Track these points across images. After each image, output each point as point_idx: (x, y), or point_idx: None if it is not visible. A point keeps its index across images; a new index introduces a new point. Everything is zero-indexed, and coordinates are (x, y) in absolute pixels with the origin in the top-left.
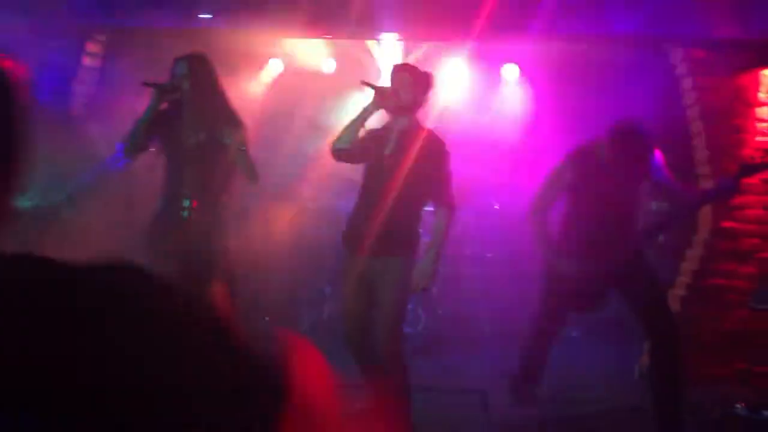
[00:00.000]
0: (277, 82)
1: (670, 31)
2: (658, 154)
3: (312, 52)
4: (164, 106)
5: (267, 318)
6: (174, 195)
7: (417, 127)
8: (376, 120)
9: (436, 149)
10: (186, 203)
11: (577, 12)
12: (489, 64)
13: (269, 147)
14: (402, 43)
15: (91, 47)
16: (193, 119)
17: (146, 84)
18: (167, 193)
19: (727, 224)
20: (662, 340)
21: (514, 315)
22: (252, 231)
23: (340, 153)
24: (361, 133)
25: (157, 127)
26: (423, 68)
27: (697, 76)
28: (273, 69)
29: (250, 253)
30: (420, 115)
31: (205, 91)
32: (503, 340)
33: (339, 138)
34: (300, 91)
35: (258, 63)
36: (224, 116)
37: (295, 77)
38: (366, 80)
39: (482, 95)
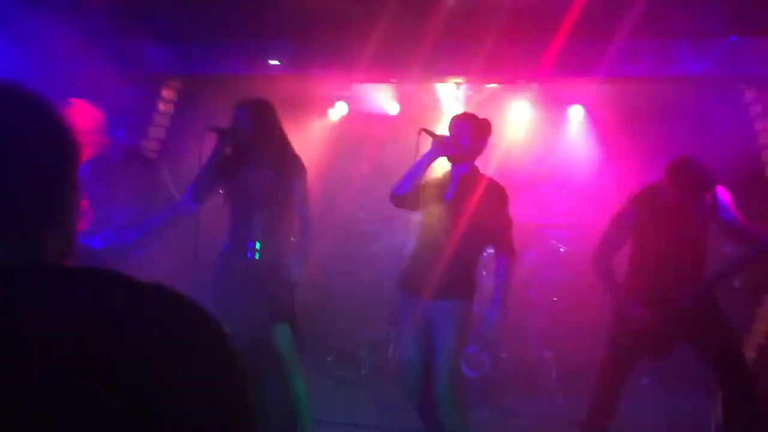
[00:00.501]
0: (343, 124)
1: (742, 71)
2: (724, 193)
3: (377, 95)
4: (229, 151)
5: (330, 358)
6: (240, 238)
7: (476, 173)
8: (437, 167)
9: (496, 195)
10: (252, 245)
11: (644, 53)
12: (554, 105)
13: (334, 188)
14: (466, 85)
15: (166, 93)
16: (256, 163)
17: (209, 129)
18: (234, 236)
19: None
20: (736, 394)
21: (581, 360)
22: (316, 270)
23: (400, 199)
24: (422, 180)
25: (223, 171)
26: (482, 114)
27: None
28: (339, 111)
29: (314, 292)
30: (479, 161)
31: (266, 136)
32: (570, 386)
33: (399, 185)
34: (364, 133)
35: (324, 105)
36: (287, 160)
37: (360, 119)
38: (425, 128)
39: (548, 137)
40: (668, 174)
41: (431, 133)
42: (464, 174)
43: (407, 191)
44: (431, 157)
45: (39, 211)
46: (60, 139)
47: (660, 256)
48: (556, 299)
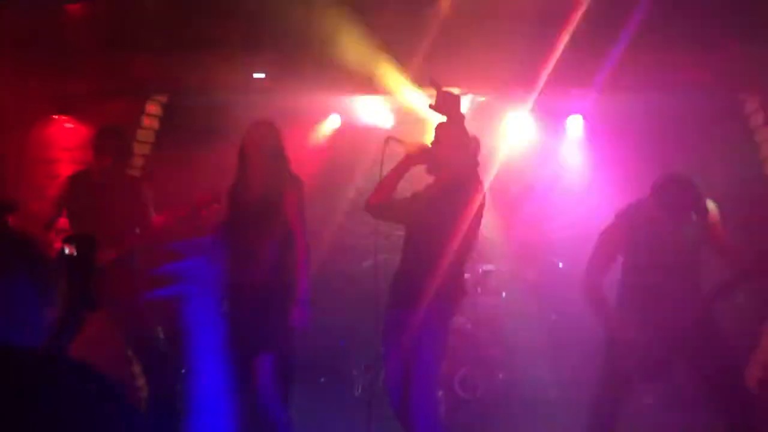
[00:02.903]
0: (336, 137)
1: (742, 81)
2: (714, 212)
3: (371, 107)
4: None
5: (322, 379)
6: (239, 255)
7: (456, 182)
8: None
9: (469, 199)
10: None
11: (642, 64)
12: (553, 115)
13: (327, 202)
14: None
15: (151, 108)
16: (255, 181)
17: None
18: (232, 254)
19: None
20: (737, 420)
21: (581, 379)
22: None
23: (374, 209)
24: (406, 193)
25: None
26: (477, 124)
27: None
28: (331, 124)
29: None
30: (465, 171)
31: (268, 156)
32: (570, 407)
33: (371, 195)
34: (358, 146)
35: (316, 118)
36: (285, 178)
37: (354, 132)
38: (393, 136)
39: (546, 148)
40: (653, 191)
41: (400, 141)
42: (443, 183)
43: (380, 201)
44: (403, 166)
45: None
46: None
47: (650, 275)
48: (555, 317)
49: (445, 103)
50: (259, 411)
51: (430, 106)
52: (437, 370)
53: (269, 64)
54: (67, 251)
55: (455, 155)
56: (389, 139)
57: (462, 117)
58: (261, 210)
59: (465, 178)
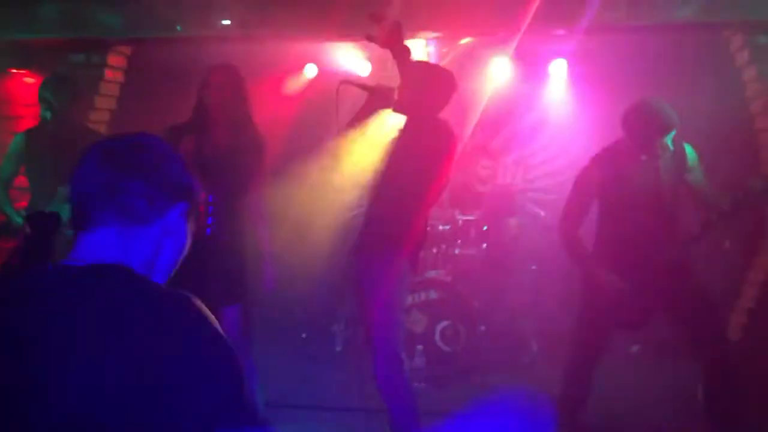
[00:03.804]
0: (312, 87)
1: (728, 16)
2: (691, 152)
3: (347, 55)
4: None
5: (304, 335)
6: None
7: (415, 124)
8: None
9: (428, 143)
10: (207, 220)
11: (624, 0)
12: (535, 60)
13: (305, 156)
14: (441, 41)
15: (114, 60)
16: (215, 130)
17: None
18: None
19: None
20: (717, 367)
21: (562, 331)
22: (286, 242)
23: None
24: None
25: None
26: (456, 71)
27: (761, 64)
28: (307, 74)
29: (284, 264)
30: (426, 112)
31: (229, 102)
32: (552, 358)
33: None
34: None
35: (291, 68)
36: (251, 129)
37: (331, 82)
38: (347, 80)
39: (529, 94)
40: (624, 118)
41: (358, 85)
42: (408, 125)
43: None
44: (366, 110)
45: None
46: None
47: (627, 218)
48: (535, 267)
49: (388, 36)
50: None
51: (368, 38)
52: (389, 317)
53: (237, 10)
54: (28, 230)
55: (416, 94)
56: (342, 83)
57: (406, 50)
58: (219, 167)
59: (425, 120)
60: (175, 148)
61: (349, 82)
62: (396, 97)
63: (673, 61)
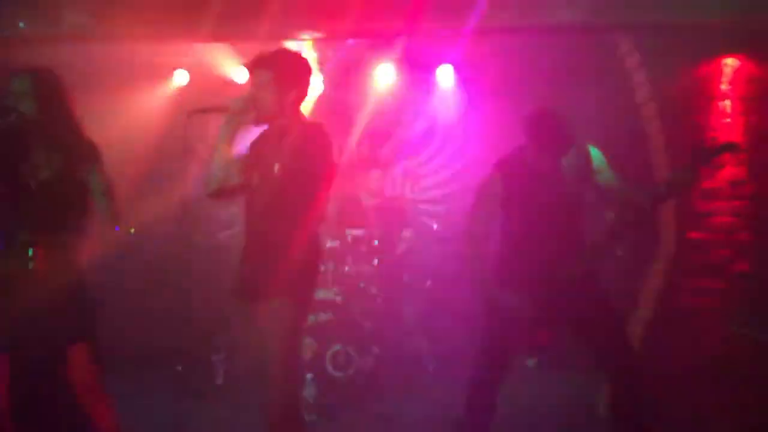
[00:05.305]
0: (183, 95)
1: (615, 18)
2: (597, 154)
3: (222, 60)
4: None
5: (179, 368)
6: (12, 242)
7: (299, 129)
8: None
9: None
10: (29, 252)
11: (512, 1)
12: (422, 65)
13: (174, 171)
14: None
15: None
16: (37, 149)
17: None
18: (6, 241)
19: (694, 235)
20: (620, 375)
21: (459, 351)
22: (153, 268)
23: (219, 194)
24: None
25: None
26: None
27: (650, 67)
28: (178, 80)
29: (153, 292)
30: (293, 119)
31: (54, 115)
32: (449, 381)
33: (206, 182)
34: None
35: (160, 74)
36: (79, 146)
37: (204, 90)
38: (198, 107)
39: (415, 101)
40: (525, 129)
41: (210, 109)
42: (286, 133)
43: (221, 185)
44: (228, 132)
45: None
46: None
47: (530, 230)
48: (430, 282)
49: (238, 112)
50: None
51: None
52: (288, 356)
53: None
54: None
55: (288, 98)
56: (192, 113)
57: (265, 100)
58: (50, 186)
59: (292, 123)
60: None
61: (201, 109)
62: (252, 106)
63: (564, 65)
